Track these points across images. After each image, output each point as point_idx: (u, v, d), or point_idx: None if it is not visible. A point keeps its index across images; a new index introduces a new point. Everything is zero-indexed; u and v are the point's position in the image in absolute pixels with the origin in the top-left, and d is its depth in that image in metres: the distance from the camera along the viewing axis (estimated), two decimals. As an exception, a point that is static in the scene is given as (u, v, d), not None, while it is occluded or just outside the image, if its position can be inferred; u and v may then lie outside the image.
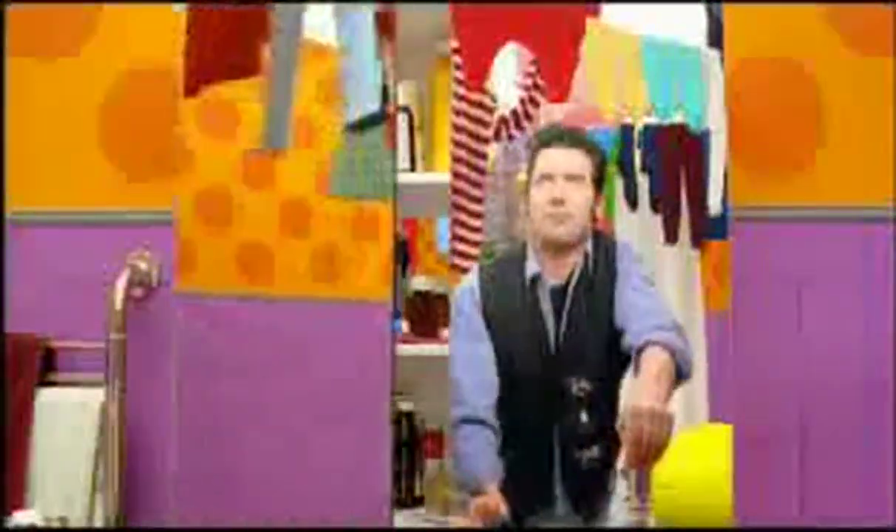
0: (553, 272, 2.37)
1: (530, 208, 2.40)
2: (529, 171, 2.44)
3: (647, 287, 2.32)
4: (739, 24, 2.42)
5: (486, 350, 2.35)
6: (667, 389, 2.06)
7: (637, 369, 2.13)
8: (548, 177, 2.39)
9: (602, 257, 2.36)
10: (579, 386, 2.28)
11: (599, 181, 2.41)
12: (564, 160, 2.39)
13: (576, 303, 2.33)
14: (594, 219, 2.40)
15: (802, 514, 2.35)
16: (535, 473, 2.30)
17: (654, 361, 2.09)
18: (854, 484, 2.34)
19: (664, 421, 1.91)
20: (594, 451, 2.28)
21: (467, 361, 2.35)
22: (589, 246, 2.38)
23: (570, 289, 2.34)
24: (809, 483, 2.35)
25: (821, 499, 2.34)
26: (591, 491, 2.30)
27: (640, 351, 2.13)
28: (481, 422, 2.30)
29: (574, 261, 2.36)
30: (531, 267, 2.38)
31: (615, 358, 2.27)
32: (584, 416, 2.28)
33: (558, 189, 2.36)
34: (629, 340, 2.20)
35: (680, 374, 2.13)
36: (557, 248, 2.37)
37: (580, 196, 2.37)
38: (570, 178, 2.38)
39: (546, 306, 2.35)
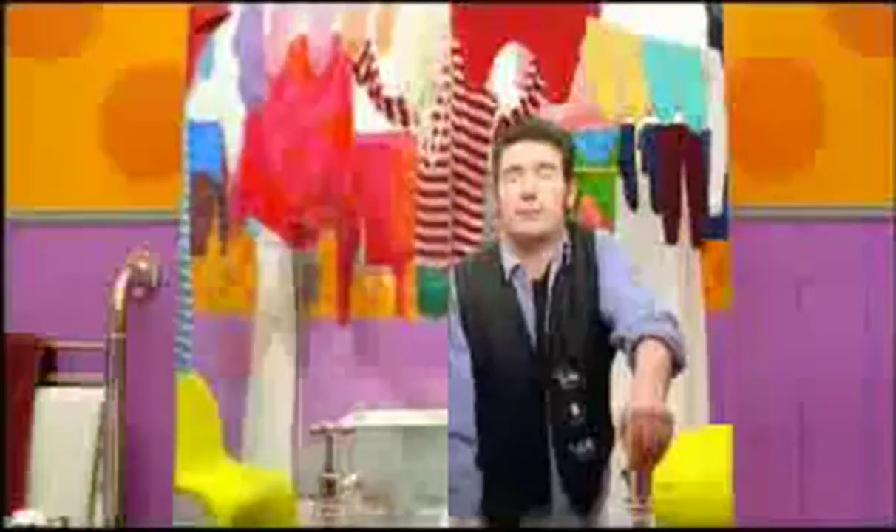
0: (531, 265, 2.34)
1: (500, 204, 2.35)
2: (495, 168, 2.37)
3: (634, 277, 2.29)
4: (739, 24, 2.42)
5: (466, 362, 2.33)
6: (665, 385, 2.05)
7: (633, 365, 2.11)
8: (516, 171, 2.32)
9: (580, 249, 2.32)
10: (568, 379, 2.27)
11: (569, 171, 2.35)
12: (532, 153, 2.33)
13: (557, 296, 2.30)
14: (566, 210, 2.36)
15: (802, 514, 2.35)
16: (531, 469, 2.29)
17: (652, 357, 2.07)
18: (854, 484, 2.34)
19: (665, 420, 1.90)
20: (588, 444, 2.27)
21: (453, 373, 2.33)
22: (565, 238, 2.33)
23: (550, 282, 2.31)
24: (809, 483, 2.35)
25: (821, 499, 2.34)
26: (587, 485, 2.29)
27: (635, 345, 2.10)
28: (464, 438, 2.30)
29: (550, 254, 2.32)
30: (509, 260, 2.34)
31: (602, 349, 2.26)
32: (575, 409, 2.26)
33: (529, 183, 2.31)
34: (621, 333, 2.17)
35: (676, 366, 2.11)
36: (531, 244, 2.33)
37: (551, 189, 2.31)
38: (540, 170, 2.32)
39: (525, 300, 2.32)
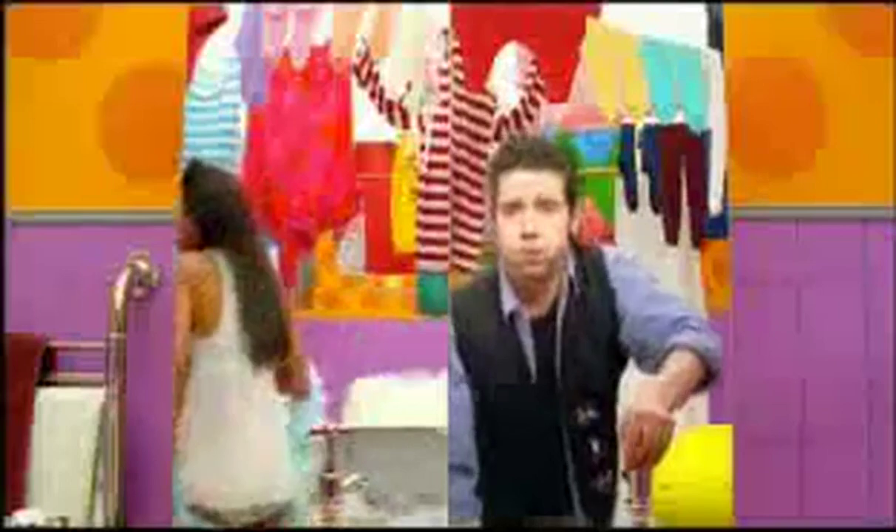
0: (533, 304, 2.23)
1: (500, 241, 2.22)
2: (493, 197, 2.23)
3: (658, 290, 2.21)
4: (739, 24, 2.42)
5: (464, 394, 2.23)
6: (680, 393, 2.01)
7: (660, 370, 2.06)
8: (516, 206, 2.19)
9: (591, 274, 2.23)
10: (586, 415, 2.18)
11: (573, 194, 2.23)
12: (532, 185, 2.19)
13: (569, 331, 2.21)
14: (571, 235, 2.24)
15: (802, 515, 2.35)
16: (554, 508, 2.21)
17: (676, 364, 2.02)
18: (854, 484, 2.34)
19: (665, 425, 1.90)
20: (609, 476, 2.21)
21: (451, 404, 2.26)
22: (571, 268, 2.23)
23: (559, 318, 2.21)
24: (809, 483, 2.35)
25: (821, 499, 2.34)
26: (608, 511, 2.24)
27: (665, 356, 2.06)
28: (465, 470, 2.23)
29: (555, 287, 2.23)
30: (508, 302, 2.23)
31: (619, 378, 2.21)
32: (595, 445, 2.19)
33: (529, 221, 2.18)
34: (654, 351, 2.09)
35: (709, 374, 2.07)
36: (533, 284, 2.23)
37: (554, 225, 2.19)
38: (541, 205, 2.19)
39: (528, 341, 2.22)
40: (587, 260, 2.25)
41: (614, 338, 2.20)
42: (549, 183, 2.21)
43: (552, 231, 2.20)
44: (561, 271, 2.24)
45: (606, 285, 2.22)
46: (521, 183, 2.20)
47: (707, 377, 2.06)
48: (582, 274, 2.23)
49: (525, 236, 2.19)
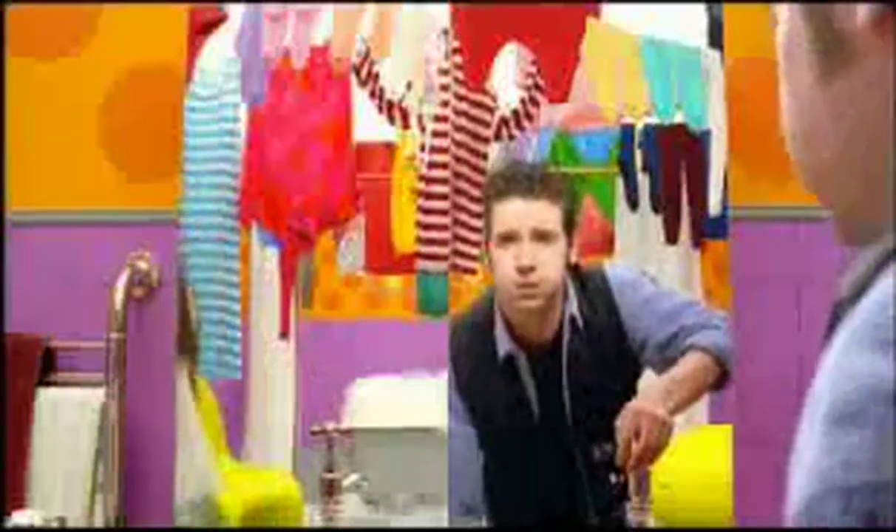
0: (532, 339, 2.17)
1: (494, 274, 2.15)
2: (487, 225, 2.16)
3: (669, 303, 2.16)
4: (739, 24, 2.42)
5: (462, 431, 2.18)
6: (687, 393, 2.01)
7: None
8: (511, 237, 2.11)
9: (596, 301, 2.17)
10: (602, 450, 2.12)
11: (571, 222, 2.15)
12: (528, 216, 2.12)
13: (574, 368, 2.15)
14: (569, 262, 2.17)
15: (802, 514, 2.34)
16: None
17: (686, 364, 2.04)
18: (854, 484, 2.33)
19: (662, 424, 1.90)
20: (629, 502, 2.17)
21: (452, 440, 2.21)
22: (573, 297, 2.16)
23: (564, 355, 2.15)
24: (809, 483, 2.35)
25: (821, 499, 2.34)
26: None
27: (682, 354, 2.06)
28: (467, 508, 2.20)
29: (555, 321, 2.16)
30: (502, 345, 2.15)
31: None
32: (612, 478, 2.13)
33: (526, 254, 2.10)
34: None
35: (725, 374, 2.06)
36: (531, 317, 2.16)
37: (552, 257, 2.12)
38: (538, 236, 2.11)
39: (528, 381, 2.16)
40: (590, 285, 2.20)
41: (625, 366, 2.17)
42: (545, 213, 2.14)
43: (550, 263, 2.13)
44: (561, 303, 2.17)
45: (614, 312, 2.17)
46: (517, 213, 2.13)
47: (722, 377, 2.04)
48: (586, 302, 2.18)
49: (521, 270, 2.12)
